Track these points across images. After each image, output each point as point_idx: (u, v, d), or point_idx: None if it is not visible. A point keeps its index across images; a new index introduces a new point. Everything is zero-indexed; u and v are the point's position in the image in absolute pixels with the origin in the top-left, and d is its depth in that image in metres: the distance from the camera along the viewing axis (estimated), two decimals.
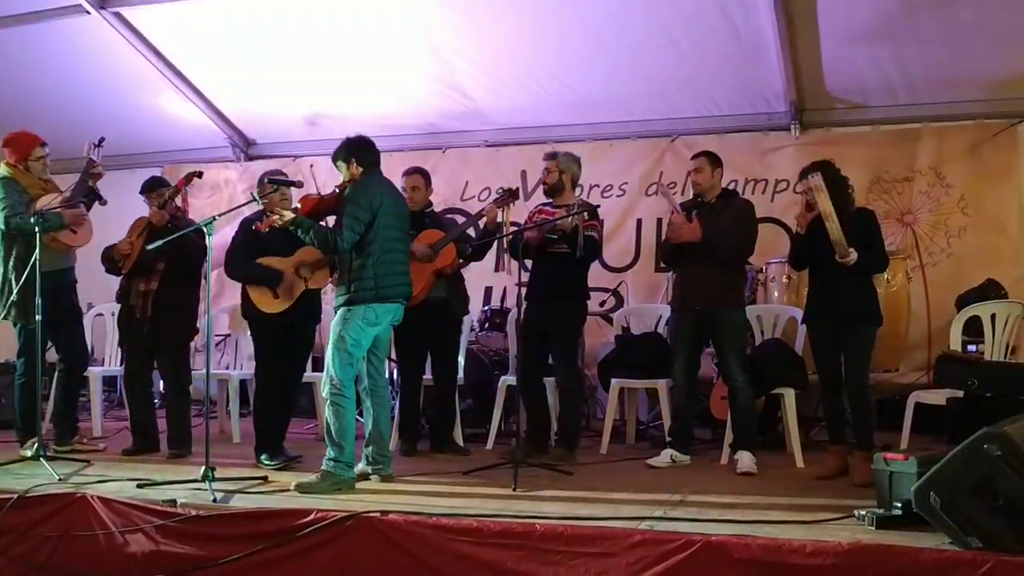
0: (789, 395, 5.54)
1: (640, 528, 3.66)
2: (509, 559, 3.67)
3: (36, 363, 5.38)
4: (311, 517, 3.95)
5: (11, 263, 5.58)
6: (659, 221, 7.45)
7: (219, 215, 4.73)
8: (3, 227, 5.59)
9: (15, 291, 5.46)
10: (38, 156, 5.79)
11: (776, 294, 6.48)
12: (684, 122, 7.58)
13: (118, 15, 7.16)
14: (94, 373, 6.89)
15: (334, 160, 4.97)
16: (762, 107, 7.36)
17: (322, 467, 4.66)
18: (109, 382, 7.86)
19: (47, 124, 6.33)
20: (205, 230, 4.62)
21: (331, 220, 4.94)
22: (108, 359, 7.15)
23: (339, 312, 4.75)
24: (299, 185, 5.17)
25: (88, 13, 6.99)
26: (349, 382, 4.73)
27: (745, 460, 5.14)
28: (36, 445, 5.21)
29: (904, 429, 5.29)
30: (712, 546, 3.45)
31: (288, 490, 4.53)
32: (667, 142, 7.68)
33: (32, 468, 5.03)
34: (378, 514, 3.93)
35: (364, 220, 4.70)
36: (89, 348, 7.02)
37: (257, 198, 4.92)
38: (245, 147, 8.87)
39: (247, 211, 5.61)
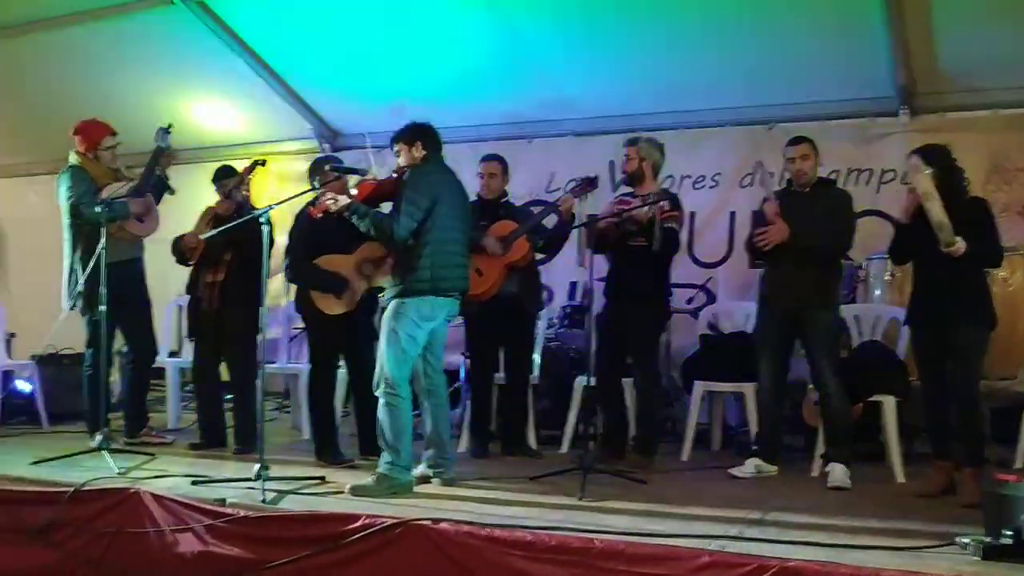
0: (889, 403, 5.08)
1: (710, 548, 3.33)
2: None
3: (102, 354, 5.33)
4: (359, 523, 3.76)
5: (78, 253, 5.56)
6: (754, 214, 7.00)
7: (275, 203, 4.54)
8: (70, 216, 5.56)
9: (81, 282, 5.43)
10: (108, 145, 5.77)
11: (878, 292, 6.01)
12: (782, 109, 7.05)
13: (202, 5, 7.12)
14: (170, 364, 6.86)
15: (393, 142, 4.76)
16: (867, 91, 6.78)
17: (377, 470, 4.44)
18: None
19: (131, 118, 6.33)
20: (261, 220, 4.45)
21: (387, 207, 4.72)
22: (184, 350, 7.11)
23: (391, 305, 4.52)
24: (363, 173, 4.95)
25: (172, 4, 6.97)
26: (404, 381, 4.49)
27: (837, 473, 4.72)
28: (101, 437, 5.16)
29: (1020, 445, 4.80)
30: (788, 572, 3.11)
31: (342, 492, 4.34)
32: (764, 130, 7.17)
33: (97, 460, 4.97)
34: (429, 522, 3.71)
35: (423, 207, 4.46)
36: (171, 340, 7.01)
37: (317, 186, 4.74)
38: (331, 137, 8.76)
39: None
